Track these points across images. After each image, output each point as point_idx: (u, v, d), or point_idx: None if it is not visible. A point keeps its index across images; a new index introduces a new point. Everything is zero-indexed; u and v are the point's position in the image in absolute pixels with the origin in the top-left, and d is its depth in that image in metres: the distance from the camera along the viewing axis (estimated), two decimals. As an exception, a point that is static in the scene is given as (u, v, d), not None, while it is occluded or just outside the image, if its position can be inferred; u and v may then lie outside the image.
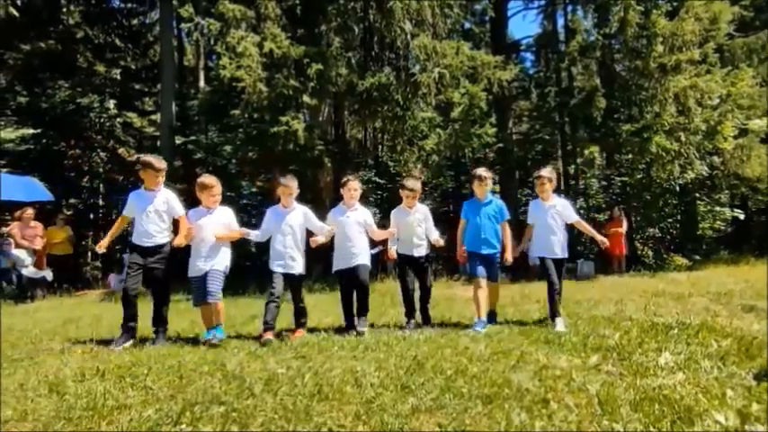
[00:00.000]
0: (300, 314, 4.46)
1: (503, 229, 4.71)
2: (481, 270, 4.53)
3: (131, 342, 4.04)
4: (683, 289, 6.80)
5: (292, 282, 4.33)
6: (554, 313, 4.47)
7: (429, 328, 4.57)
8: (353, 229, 4.51)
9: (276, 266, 4.27)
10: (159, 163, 4.23)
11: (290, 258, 4.26)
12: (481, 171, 4.70)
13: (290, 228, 4.30)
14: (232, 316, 5.32)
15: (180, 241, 4.10)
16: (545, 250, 4.67)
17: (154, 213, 4.15)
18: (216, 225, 4.18)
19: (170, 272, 4.24)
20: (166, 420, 2.27)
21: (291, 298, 4.41)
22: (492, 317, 4.77)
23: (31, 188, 9.40)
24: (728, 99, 10.73)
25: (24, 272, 8.32)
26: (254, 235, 4.37)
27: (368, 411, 2.31)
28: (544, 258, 4.65)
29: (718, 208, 13.90)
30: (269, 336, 3.95)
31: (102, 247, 4.30)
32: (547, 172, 4.77)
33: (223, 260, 4.16)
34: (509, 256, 4.66)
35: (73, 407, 2.48)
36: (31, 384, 2.90)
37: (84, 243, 11.72)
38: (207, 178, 4.27)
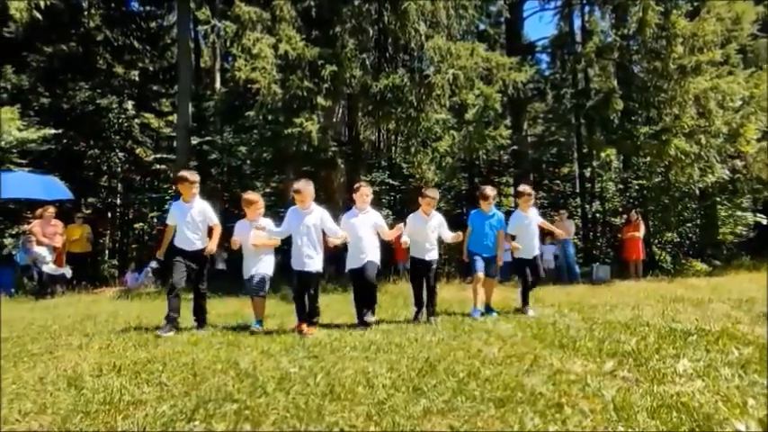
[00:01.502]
0: (313, 312, 4.58)
1: (498, 236, 5.57)
2: (480, 266, 5.41)
3: (174, 331, 4.41)
4: (703, 295, 6.65)
5: (309, 279, 4.52)
6: (526, 302, 5.65)
7: (435, 317, 5.00)
8: (365, 231, 4.81)
9: (295, 264, 4.54)
10: (192, 176, 4.79)
11: (306, 257, 4.48)
12: (488, 191, 5.54)
13: (306, 228, 4.52)
14: (248, 315, 5.37)
15: (212, 248, 4.77)
16: (528, 253, 5.65)
17: (192, 223, 4.71)
18: (257, 234, 4.74)
19: (209, 272, 4.90)
20: (180, 417, 2.29)
21: (307, 295, 4.54)
22: (489, 309, 5.54)
23: (52, 187, 9.63)
24: (751, 101, 10.48)
25: (45, 268, 8.51)
26: (275, 231, 4.74)
27: (379, 412, 2.30)
28: (522, 259, 5.66)
29: (739, 213, 13.56)
30: (303, 327, 4.37)
31: (161, 255, 4.94)
32: (531, 188, 5.82)
33: (269, 266, 4.86)
34: (500, 259, 5.65)
35: (90, 401, 2.52)
36: (50, 378, 2.96)
37: (101, 241, 11.94)
38: (251, 195, 4.97)
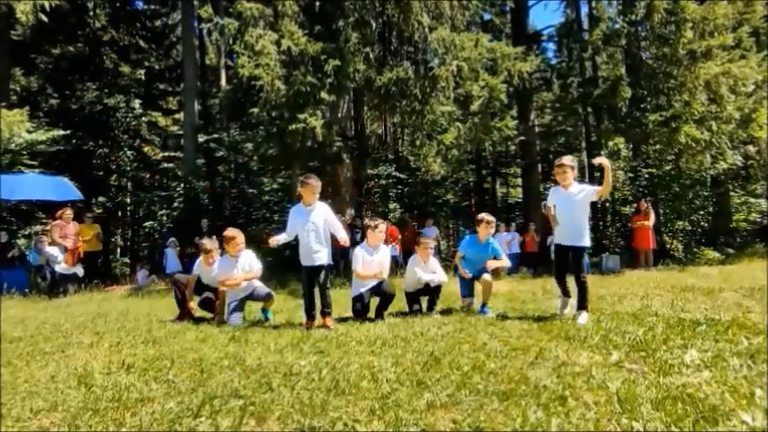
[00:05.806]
0: (325, 303, 4.68)
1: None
2: (465, 292, 5.42)
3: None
4: (714, 284, 6.56)
5: (317, 272, 4.63)
6: (582, 306, 4.45)
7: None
8: (378, 267, 5.06)
9: (304, 260, 4.66)
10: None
11: (314, 252, 4.59)
12: (489, 217, 5.34)
13: (313, 224, 4.60)
14: (254, 310, 5.42)
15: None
16: (566, 236, 4.62)
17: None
18: (242, 270, 5.03)
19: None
20: (187, 413, 2.33)
21: (318, 287, 4.64)
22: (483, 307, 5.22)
23: (63, 188, 9.74)
24: (764, 85, 10.27)
25: (57, 268, 8.65)
26: (283, 238, 4.76)
27: (383, 407, 2.31)
28: (559, 246, 4.78)
29: (752, 199, 13.35)
30: (310, 324, 4.58)
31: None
32: (569, 160, 4.55)
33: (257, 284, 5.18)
34: (503, 264, 5.54)
35: (100, 399, 2.57)
36: (61, 376, 3.02)
37: (113, 240, 12.10)
38: (230, 231, 5.08)
